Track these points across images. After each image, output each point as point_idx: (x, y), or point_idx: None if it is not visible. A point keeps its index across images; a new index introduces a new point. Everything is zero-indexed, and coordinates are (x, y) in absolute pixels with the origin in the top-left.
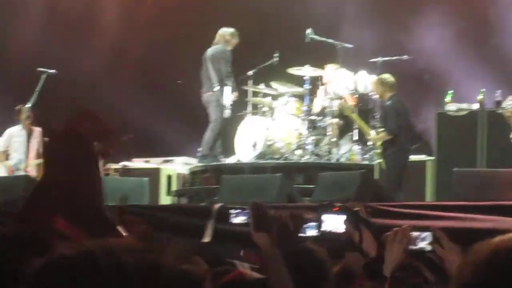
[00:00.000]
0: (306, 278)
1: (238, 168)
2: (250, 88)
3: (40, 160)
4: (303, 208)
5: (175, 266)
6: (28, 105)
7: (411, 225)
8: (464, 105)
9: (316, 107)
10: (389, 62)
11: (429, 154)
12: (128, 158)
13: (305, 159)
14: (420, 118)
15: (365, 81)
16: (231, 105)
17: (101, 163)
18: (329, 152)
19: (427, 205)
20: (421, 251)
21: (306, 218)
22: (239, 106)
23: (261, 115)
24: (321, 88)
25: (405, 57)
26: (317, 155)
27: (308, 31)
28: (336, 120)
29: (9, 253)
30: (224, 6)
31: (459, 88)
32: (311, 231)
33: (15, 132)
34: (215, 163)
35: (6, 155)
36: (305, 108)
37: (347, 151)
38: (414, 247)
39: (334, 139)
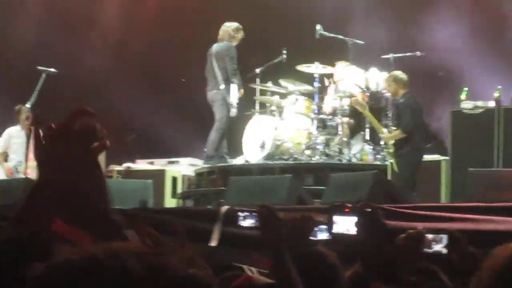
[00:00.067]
0: (317, 283)
1: (245, 169)
2: (257, 86)
3: None
4: (313, 210)
5: (182, 271)
6: (28, 105)
7: (425, 227)
8: (480, 103)
9: (326, 106)
10: (401, 58)
11: (444, 154)
12: (132, 160)
13: (315, 159)
14: (434, 116)
15: (377, 79)
16: (237, 103)
17: (102, 158)
18: (340, 152)
19: (442, 207)
20: (437, 254)
21: (317, 221)
22: (247, 105)
23: (269, 114)
24: (332, 86)
25: (418, 53)
26: (327, 155)
27: (318, 27)
28: (347, 119)
29: (9, 258)
30: (230, 1)
31: (474, 85)
32: (322, 234)
33: (14, 133)
34: (221, 164)
35: (5, 157)
36: (314, 106)
37: (359, 151)
38: (429, 250)
39: (345, 139)
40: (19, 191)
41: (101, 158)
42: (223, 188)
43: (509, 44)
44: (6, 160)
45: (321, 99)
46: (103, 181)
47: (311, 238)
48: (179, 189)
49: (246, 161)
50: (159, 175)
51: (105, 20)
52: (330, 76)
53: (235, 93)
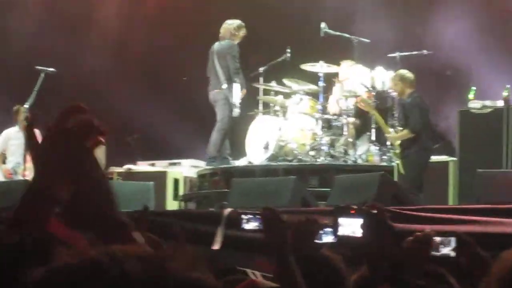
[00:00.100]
0: (321, 287)
1: (249, 171)
2: (261, 85)
3: None
4: (318, 213)
5: (185, 274)
6: (26, 105)
7: (433, 230)
8: (488, 102)
9: (331, 106)
10: (408, 57)
11: (451, 154)
12: (132, 161)
13: (320, 160)
14: (442, 116)
15: (383, 78)
16: (240, 103)
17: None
18: (346, 153)
19: (450, 209)
20: (445, 257)
21: (322, 224)
22: (250, 104)
23: (273, 114)
24: (337, 85)
25: (425, 52)
26: (332, 156)
27: (322, 25)
28: (352, 119)
29: (9, 262)
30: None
31: (483, 84)
32: (327, 237)
33: (12, 134)
34: (224, 166)
35: (3, 159)
36: (319, 106)
37: (365, 152)
38: (437, 253)
39: (351, 140)
40: (17, 193)
41: (102, 159)
42: (225, 190)
43: None
44: (4, 162)
45: (326, 99)
46: (104, 181)
47: (316, 241)
48: (181, 191)
49: (249, 162)
50: (160, 177)
51: (105, 19)
52: (335, 75)
53: (237, 93)
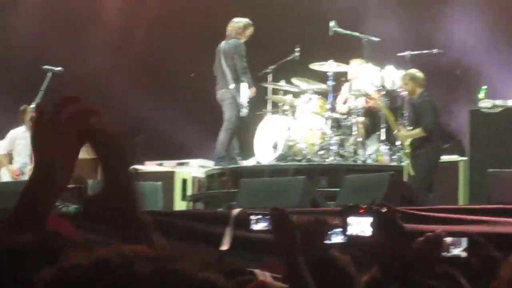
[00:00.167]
0: None
1: (257, 171)
2: (269, 85)
3: None
4: (328, 213)
5: (195, 275)
6: (33, 105)
7: (444, 230)
8: (499, 102)
9: (341, 105)
10: (418, 56)
11: (462, 154)
12: (140, 161)
13: (329, 160)
14: (452, 116)
15: (393, 77)
16: (248, 102)
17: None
18: (355, 153)
19: (460, 209)
20: (456, 258)
21: (331, 224)
22: (258, 104)
23: (281, 114)
24: (346, 84)
25: (435, 51)
26: (342, 156)
27: (332, 23)
28: (362, 118)
29: (18, 262)
30: None
31: (493, 83)
32: (336, 238)
33: (19, 134)
34: (232, 166)
35: (10, 159)
36: (328, 106)
37: (374, 151)
38: (448, 254)
39: (360, 139)
40: None
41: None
42: (234, 190)
43: None
44: (11, 162)
45: (335, 98)
46: (131, 180)
47: (326, 241)
48: (189, 192)
49: (258, 162)
50: (168, 177)
51: (110, 18)
52: (344, 74)
53: (245, 92)
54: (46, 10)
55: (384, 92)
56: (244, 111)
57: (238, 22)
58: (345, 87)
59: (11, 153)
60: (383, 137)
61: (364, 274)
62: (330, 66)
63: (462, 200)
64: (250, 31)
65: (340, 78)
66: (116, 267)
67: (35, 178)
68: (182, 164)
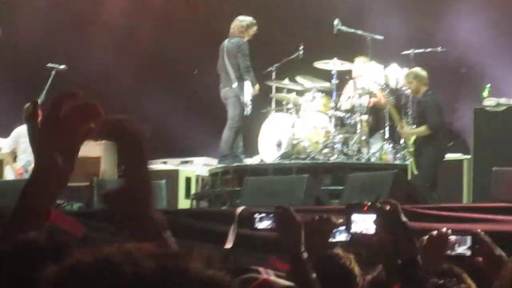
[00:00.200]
0: (333, 286)
1: (261, 169)
2: (273, 83)
3: None
4: (332, 211)
5: (201, 273)
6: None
7: (448, 229)
8: (503, 100)
9: (345, 103)
10: (421, 54)
11: (466, 153)
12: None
13: (333, 159)
14: (456, 114)
15: (397, 75)
16: (251, 101)
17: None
18: (359, 151)
19: (465, 207)
20: (461, 256)
21: (336, 222)
22: (262, 102)
23: (285, 112)
24: (350, 82)
25: (439, 49)
26: (346, 154)
27: (336, 22)
28: (366, 117)
29: (23, 260)
30: None
31: (498, 81)
32: (341, 236)
33: (23, 132)
34: (236, 164)
35: (14, 157)
36: (332, 104)
37: (378, 150)
38: (453, 252)
39: (364, 138)
40: None
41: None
42: (238, 188)
43: None
44: (15, 160)
45: (339, 96)
46: (149, 179)
47: (330, 240)
48: (193, 190)
49: (262, 160)
50: (172, 175)
51: (114, 16)
52: (348, 72)
53: (249, 91)
54: (50, 8)
55: (388, 91)
56: (248, 110)
57: (242, 20)
58: (349, 85)
59: (15, 152)
60: (387, 135)
61: (369, 272)
62: (334, 65)
63: (466, 198)
64: (253, 30)
65: (344, 76)
66: (120, 265)
67: (36, 175)
68: (186, 162)
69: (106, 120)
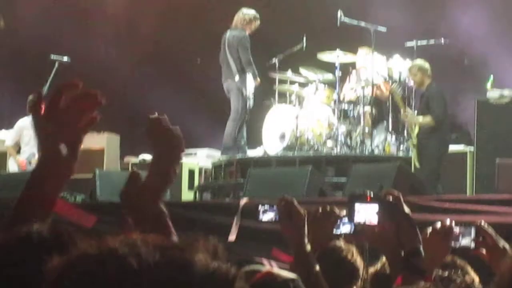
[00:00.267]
0: (335, 278)
1: (265, 161)
2: (276, 75)
3: None
4: (335, 203)
5: (207, 265)
6: None
7: (452, 220)
8: (506, 91)
9: (348, 95)
10: (424, 46)
11: (469, 144)
12: (147, 151)
13: (337, 150)
14: (459, 106)
15: (400, 67)
16: (253, 94)
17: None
18: (362, 143)
19: (468, 199)
20: (465, 248)
21: (339, 215)
22: (266, 94)
23: (289, 104)
24: (353, 73)
25: (442, 40)
26: (349, 146)
27: (339, 13)
28: (369, 108)
29: (28, 252)
30: None
31: (501, 72)
32: (344, 228)
33: (26, 125)
34: (240, 156)
35: (17, 149)
36: (336, 96)
37: (381, 142)
38: (457, 244)
39: (367, 129)
40: None
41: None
42: (241, 180)
43: None
44: (18, 152)
45: (342, 88)
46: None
47: (334, 231)
48: (196, 182)
49: (265, 152)
50: None
51: (117, 8)
52: (351, 64)
53: (250, 84)
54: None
55: (397, 83)
56: (250, 103)
57: (246, 14)
58: (352, 76)
59: (19, 144)
60: (390, 127)
61: (372, 264)
62: (337, 56)
63: (469, 190)
64: (256, 24)
65: (348, 68)
66: (125, 257)
67: (41, 165)
68: (189, 154)
69: (151, 120)
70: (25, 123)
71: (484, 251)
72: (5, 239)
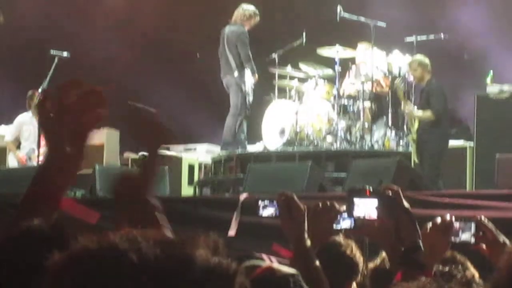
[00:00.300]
0: (334, 273)
1: (264, 156)
2: (276, 70)
3: None
4: (335, 198)
5: (207, 260)
6: (40, 90)
7: (452, 216)
8: (506, 86)
9: (348, 90)
10: (424, 41)
11: (469, 139)
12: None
13: (336, 146)
14: (459, 101)
15: (399, 62)
16: (252, 89)
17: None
18: (362, 138)
19: (468, 194)
20: (465, 244)
21: (339, 209)
22: (265, 89)
23: (288, 99)
24: (353, 68)
25: (442, 35)
26: (349, 141)
27: (338, 8)
28: (369, 104)
29: (30, 247)
30: None
31: (501, 67)
32: (345, 223)
33: (26, 120)
34: (239, 151)
35: (17, 144)
36: (335, 91)
37: (381, 137)
38: (457, 239)
39: (367, 124)
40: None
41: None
42: (241, 175)
43: None
44: (18, 147)
45: (342, 83)
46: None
47: (334, 227)
48: (196, 177)
49: (265, 147)
50: (175, 163)
51: (116, 2)
52: (351, 59)
53: (249, 80)
54: None
55: (391, 78)
56: (249, 98)
57: (246, 9)
58: (352, 71)
59: (19, 139)
60: (390, 122)
61: (372, 259)
62: (337, 51)
63: (469, 185)
64: (255, 20)
65: (347, 63)
66: (125, 252)
67: (47, 163)
68: (189, 149)
69: (130, 108)
70: (24, 119)
71: (484, 246)
72: (7, 234)
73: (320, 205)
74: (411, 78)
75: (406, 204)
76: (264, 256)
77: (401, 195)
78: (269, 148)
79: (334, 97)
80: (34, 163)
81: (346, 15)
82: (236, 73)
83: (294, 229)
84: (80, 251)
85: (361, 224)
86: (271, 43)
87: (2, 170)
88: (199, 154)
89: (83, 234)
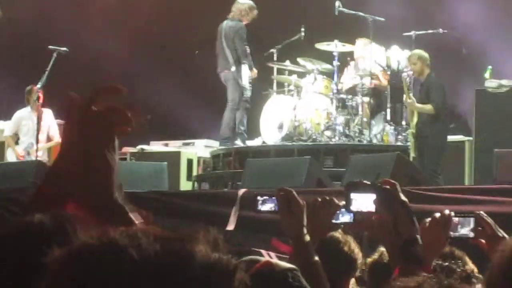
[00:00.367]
0: (333, 268)
1: (263, 151)
2: (275, 65)
3: (51, 144)
4: (334, 193)
5: (207, 255)
6: (39, 85)
7: (451, 211)
8: (505, 81)
9: (346, 85)
10: (422, 36)
11: (468, 134)
12: (146, 141)
13: (335, 140)
14: (458, 96)
15: (398, 57)
16: (250, 84)
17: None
18: (361, 133)
19: (467, 189)
20: (464, 238)
21: (339, 205)
22: (264, 84)
23: (287, 94)
24: (352, 63)
25: (440, 30)
26: (347, 136)
27: (337, 3)
28: (367, 98)
29: (30, 243)
30: None
31: (500, 63)
32: (344, 217)
33: (25, 115)
34: (238, 146)
35: (16, 140)
36: (334, 86)
37: (380, 131)
38: (456, 234)
39: (366, 119)
40: (30, 174)
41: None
42: (239, 170)
43: None
44: (17, 142)
45: (341, 78)
46: (112, 163)
47: (333, 221)
48: (195, 172)
49: (264, 142)
50: (174, 157)
51: None
52: (349, 54)
53: (246, 75)
54: None
55: (390, 72)
56: (247, 93)
57: (243, 4)
58: (351, 66)
59: (17, 134)
60: (388, 117)
61: (370, 254)
62: (335, 46)
63: (468, 180)
64: (253, 14)
65: (346, 58)
66: (125, 248)
67: (60, 160)
68: (187, 144)
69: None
70: (23, 114)
71: (483, 240)
72: (6, 229)
73: (319, 200)
74: (410, 72)
75: (403, 198)
76: (263, 251)
77: (399, 189)
78: (267, 143)
79: (333, 92)
80: (33, 157)
81: (345, 10)
82: (233, 68)
83: (293, 224)
84: (80, 247)
85: (360, 219)
86: (270, 38)
87: (0, 165)
88: (197, 149)
89: (83, 229)
